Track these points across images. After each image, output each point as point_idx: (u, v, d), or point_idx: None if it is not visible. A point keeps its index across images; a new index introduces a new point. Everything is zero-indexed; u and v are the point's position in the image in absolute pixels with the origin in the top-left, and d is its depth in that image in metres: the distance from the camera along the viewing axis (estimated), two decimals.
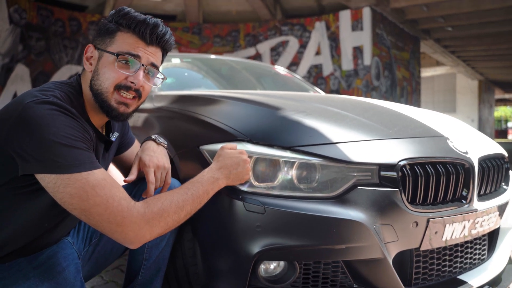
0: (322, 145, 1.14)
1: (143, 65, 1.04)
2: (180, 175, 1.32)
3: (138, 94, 1.06)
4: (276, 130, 1.21)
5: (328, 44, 9.29)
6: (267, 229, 1.06)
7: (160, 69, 2.76)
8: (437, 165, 1.22)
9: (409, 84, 10.61)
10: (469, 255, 1.38)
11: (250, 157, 1.13)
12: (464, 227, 1.25)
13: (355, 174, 1.12)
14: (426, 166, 1.20)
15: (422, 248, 1.17)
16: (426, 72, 17.20)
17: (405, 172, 1.15)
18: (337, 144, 1.15)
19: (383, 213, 1.10)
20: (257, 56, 10.09)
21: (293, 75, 3.24)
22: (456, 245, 1.33)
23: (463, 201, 1.27)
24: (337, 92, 9.13)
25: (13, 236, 0.98)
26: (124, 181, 1.13)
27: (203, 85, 2.59)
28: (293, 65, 9.74)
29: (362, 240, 1.07)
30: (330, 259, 1.10)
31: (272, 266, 1.16)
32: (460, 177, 1.26)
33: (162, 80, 1.13)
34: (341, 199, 1.10)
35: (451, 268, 1.32)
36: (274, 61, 9.92)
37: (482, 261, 1.44)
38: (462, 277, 1.32)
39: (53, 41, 8.37)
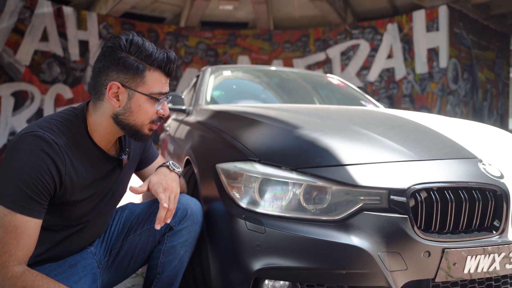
0: (329, 167, 1.13)
1: (168, 97, 1.19)
2: (200, 191, 1.39)
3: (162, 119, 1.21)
4: (286, 151, 1.22)
5: (400, 46, 8.84)
6: (267, 248, 1.08)
7: (212, 81, 2.88)
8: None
9: (494, 86, 9.63)
10: None
11: (257, 177, 1.16)
12: (494, 260, 1.14)
13: (362, 198, 1.09)
14: (445, 191, 1.12)
15: (437, 280, 1.10)
16: None
17: (418, 197, 1.09)
18: (346, 166, 1.13)
19: (389, 240, 1.06)
20: (327, 61, 9.95)
21: (346, 84, 3.17)
22: (489, 279, 1.21)
23: (493, 231, 1.16)
24: (410, 96, 8.63)
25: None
26: (130, 188, 1.21)
27: (250, 97, 2.66)
28: (364, 69, 9.43)
29: (364, 267, 1.04)
30: (329, 283, 1.08)
31: (278, 286, 1.18)
32: (489, 205, 1.15)
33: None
34: (344, 223, 1.08)
35: None
36: (344, 66, 9.70)
37: None
38: None
39: None
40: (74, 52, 8.61)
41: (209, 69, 2.83)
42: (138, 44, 1.12)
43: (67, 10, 8.50)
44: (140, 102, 1.13)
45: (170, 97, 1.22)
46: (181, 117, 2.55)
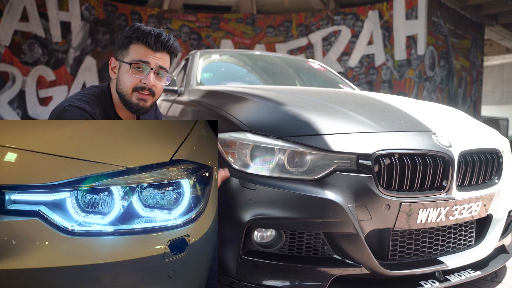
0: (309, 136, 1.36)
1: (152, 69, 1.33)
2: None
3: (151, 92, 1.36)
4: (273, 123, 1.44)
5: (381, 33, 9.12)
6: (257, 202, 1.31)
7: (202, 63, 3.07)
8: (415, 157, 1.37)
9: (468, 74, 10.07)
10: (452, 240, 1.52)
11: (249, 144, 1.37)
12: (440, 213, 1.40)
13: (336, 161, 1.32)
14: (404, 157, 1.36)
15: (396, 228, 1.35)
16: (494, 60, 16.02)
17: (381, 161, 1.33)
18: (323, 136, 1.36)
19: (357, 195, 1.29)
20: (309, 46, 10.14)
21: (326, 69, 3.39)
22: (438, 229, 1.47)
23: (441, 190, 1.41)
24: (389, 82, 8.96)
25: None
26: None
27: (237, 79, 2.85)
28: (344, 55, 9.68)
29: (336, 216, 1.27)
30: (309, 230, 1.31)
31: (266, 234, 1.40)
32: (439, 168, 1.40)
33: (171, 78, 1.42)
34: (321, 181, 1.31)
35: (431, 250, 1.47)
36: (325, 51, 9.93)
37: (469, 247, 1.57)
38: (441, 258, 1.46)
39: (117, 34, 9.12)
40: (56, 34, 8.52)
41: (198, 53, 3.00)
42: (133, 26, 1.33)
43: None
44: (124, 71, 1.33)
45: (160, 73, 1.37)
46: (172, 97, 2.72)
